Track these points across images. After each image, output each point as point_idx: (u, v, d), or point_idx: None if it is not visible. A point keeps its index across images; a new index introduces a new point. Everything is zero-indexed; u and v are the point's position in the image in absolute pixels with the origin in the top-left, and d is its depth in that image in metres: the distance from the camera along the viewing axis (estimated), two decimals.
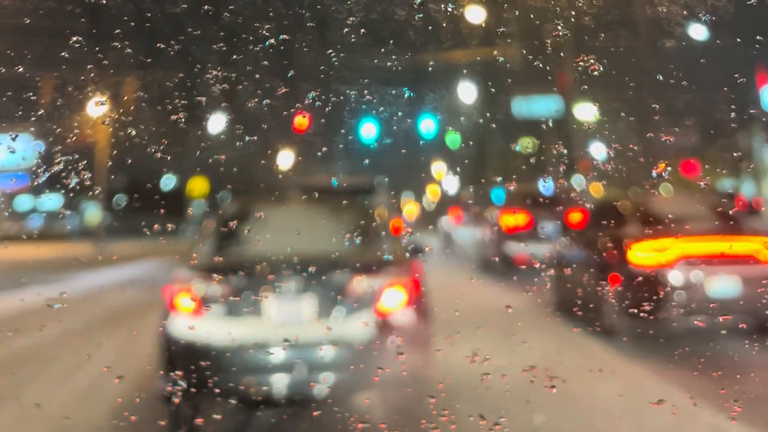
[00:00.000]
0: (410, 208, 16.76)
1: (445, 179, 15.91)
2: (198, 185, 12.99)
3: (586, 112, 9.32)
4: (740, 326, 6.81)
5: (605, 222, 8.72)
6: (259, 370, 5.39)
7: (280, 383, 5.42)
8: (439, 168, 14.27)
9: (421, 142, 9.48)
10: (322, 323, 5.51)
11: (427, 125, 9.10)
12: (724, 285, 7.58)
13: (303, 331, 5.47)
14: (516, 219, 12.81)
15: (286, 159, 9.17)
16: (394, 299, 5.67)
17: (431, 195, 18.66)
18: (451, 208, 17.07)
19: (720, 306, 7.36)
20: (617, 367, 6.84)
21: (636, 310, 7.23)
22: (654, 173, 6.79)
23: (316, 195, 6.69)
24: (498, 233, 13.06)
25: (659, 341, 7.17)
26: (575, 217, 10.58)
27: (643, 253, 7.83)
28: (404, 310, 5.68)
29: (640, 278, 7.54)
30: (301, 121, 8.31)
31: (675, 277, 7.61)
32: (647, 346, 7.27)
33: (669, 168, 6.67)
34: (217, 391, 5.22)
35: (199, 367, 5.24)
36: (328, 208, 6.67)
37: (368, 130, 8.54)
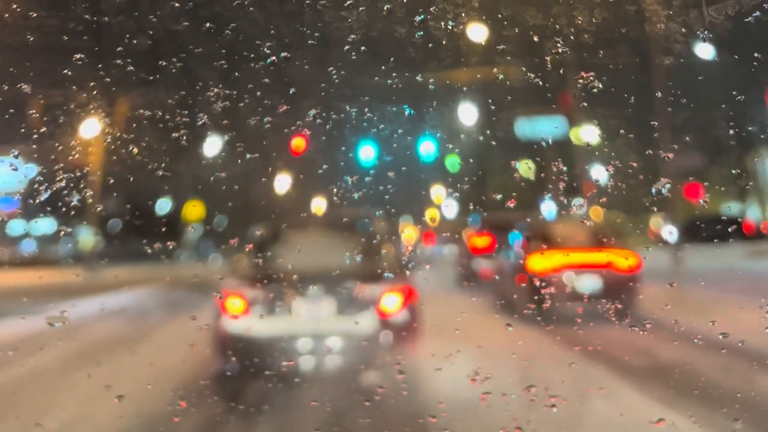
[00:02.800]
0: (409, 233, 17.02)
1: (444, 203, 16.05)
2: (194, 209, 12.74)
3: (586, 131, 9.39)
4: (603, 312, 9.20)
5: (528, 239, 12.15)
6: (291, 354, 6.89)
7: (306, 363, 6.90)
8: (438, 192, 14.40)
9: (421, 165, 9.59)
10: (337, 319, 7.04)
11: (427, 148, 9.14)
12: (589, 284, 10.65)
13: (323, 325, 7.02)
14: (481, 241, 15.60)
15: (285, 179, 9.46)
16: (392, 302, 7.16)
17: (430, 219, 18.78)
18: (425, 233, 19.04)
19: (587, 297, 10.25)
20: (618, 386, 6.84)
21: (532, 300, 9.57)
22: (654, 190, 6.83)
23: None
24: (467, 252, 15.94)
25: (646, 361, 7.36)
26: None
27: (536, 262, 10.97)
28: (400, 310, 7.16)
29: (535, 279, 10.42)
30: (298, 143, 8.37)
31: (557, 278, 10.51)
32: (648, 365, 7.28)
33: (669, 185, 6.69)
34: (261, 370, 6.64)
35: (246, 353, 6.72)
36: (340, 232, 8.12)
37: (367, 153, 8.73)
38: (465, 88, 8.98)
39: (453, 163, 10.49)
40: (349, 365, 6.96)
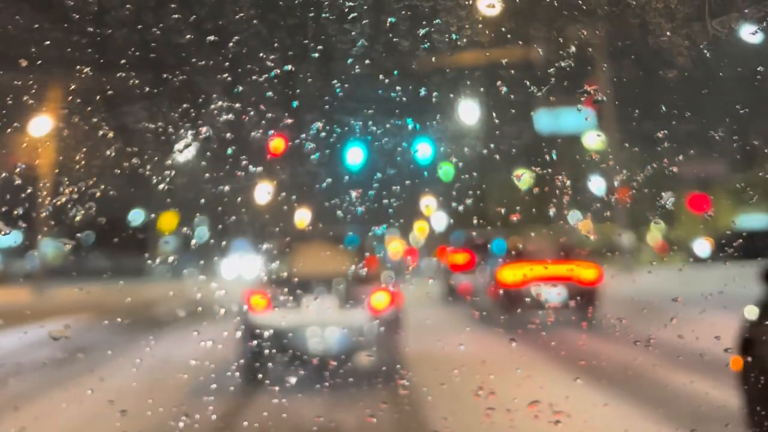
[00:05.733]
0: (395, 246, 16.94)
1: (434, 215, 15.90)
2: (168, 221, 12.32)
3: (590, 143, 9.40)
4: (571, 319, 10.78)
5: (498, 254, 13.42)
6: (304, 340, 8.43)
7: (316, 347, 8.44)
8: (428, 203, 14.26)
9: (416, 176, 9.63)
10: (339, 313, 8.62)
11: (423, 153, 9.08)
12: (553, 294, 11.35)
13: (328, 318, 8.55)
14: (461, 257, 16.62)
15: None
16: (380, 299, 8.80)
17: (418, 232, 18.53)
18: (407, 250, 19.21)
19: (552, 306, 11.22)
20: (622, 401, 6.81)
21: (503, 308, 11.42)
22: (658, 204, 6.82)
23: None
24: (445, 269, 17.11)
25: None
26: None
27: (506, 275, 12.18)
28: (387, 306, 8.79)
29: (505, 291, 11.90)
30: (277, 144, 8.31)
31: (525, 290, 11.37)
32: (652, 380, 7.25)
33: (673, 199, 6.67)
34: (280, 352, 8.11)
35: (269, 340, 8.04)
36: (340, 245, 9.82)
37: (358, 160, 8.95)
38: (468, 101, 8.97)
39: (446, 172, 10.39)
40: (347, 348, 8.60)
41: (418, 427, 6.00)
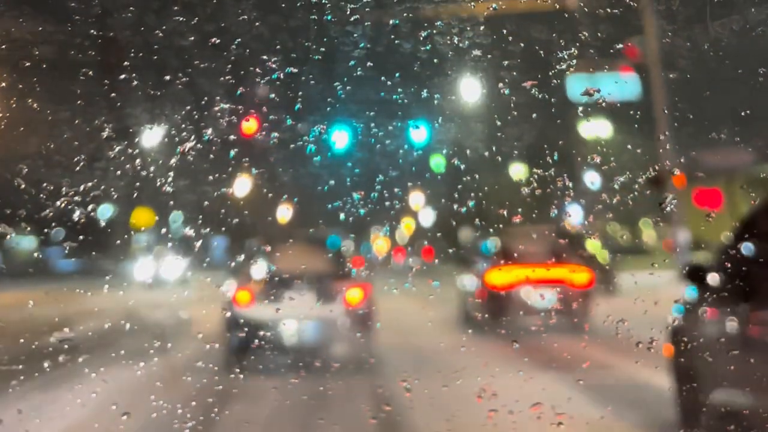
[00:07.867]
0: (380, 244, 16.61)
1: (422, 211, 15.55)
2: (143, 216, 12.18)
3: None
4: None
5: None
6: (283, 332, 9.00)
7: (294, 339, 9.06)
8: (417, 199, 13.85)
9: (414, 180, 9.67)
10: (316, 307, 9.08)
11: (418, 136, 9.04)
12: (545, 298, 11.17)
13: (306, 312, 8.99)
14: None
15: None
16: (354, 294, 9.42)
17: (405, 229, 18.11)
18: (395, 249, 18.98)
19: (543, 311, 11.06)
20: (624, 404, 6.82)
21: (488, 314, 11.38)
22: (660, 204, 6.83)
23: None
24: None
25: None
26: None
27: (495, 278, 11.87)
28: (361, 300, 9.40)
29: (493, 294, 11.64)
30: (249, 125, 8.17)
31: (515, 294, 11.35)
32: (653, 382, 7.25)
33: (674, 200, 6.68)
34: (261, 343, 8.52)
35: (250, 332, 8.55)
36: (321, 245, 10.45)
37: (341, 140, 8.93)
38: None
39: (438, 164, 10.33)
40: (324, 338, 9.20)
41: (420, 430, 6.01)
